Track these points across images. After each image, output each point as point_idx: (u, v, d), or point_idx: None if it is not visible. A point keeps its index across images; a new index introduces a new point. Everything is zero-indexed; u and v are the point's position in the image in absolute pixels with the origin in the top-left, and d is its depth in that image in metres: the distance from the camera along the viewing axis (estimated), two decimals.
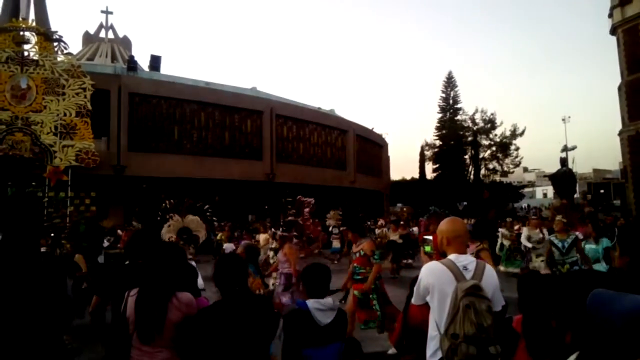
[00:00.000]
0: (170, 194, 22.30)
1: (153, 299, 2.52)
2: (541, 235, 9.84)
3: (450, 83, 46.51)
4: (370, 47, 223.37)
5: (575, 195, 30.12)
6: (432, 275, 2.66)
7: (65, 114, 19.56)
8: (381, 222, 20.38)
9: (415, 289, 2.78)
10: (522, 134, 43.87)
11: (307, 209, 8.87)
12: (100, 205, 21.04)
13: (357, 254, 5.73)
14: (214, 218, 10.87)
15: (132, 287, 2.64)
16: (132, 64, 25.98)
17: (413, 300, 2.84)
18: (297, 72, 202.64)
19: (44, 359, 2.44)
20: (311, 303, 2.79)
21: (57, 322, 2.54)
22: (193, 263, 6.02)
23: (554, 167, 31.90)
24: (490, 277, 2.67)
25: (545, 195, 49.47)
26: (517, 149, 44.48)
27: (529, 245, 9.84)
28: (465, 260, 2.67)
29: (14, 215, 2.68)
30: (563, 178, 25.67)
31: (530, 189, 54.49)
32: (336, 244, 18.18)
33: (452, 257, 2.69)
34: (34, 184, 19.45)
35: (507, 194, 41.43)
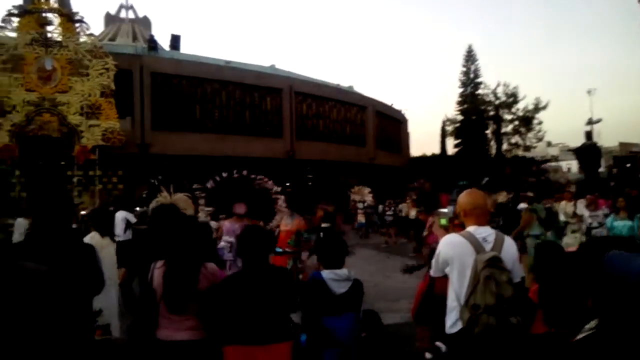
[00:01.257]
0: (192, 171, 22.81)
1: (184, 270, 2.60)
2: (573, 209, 9.72)
3: (470, 56, 45.40)
4: (389, 22, 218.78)
5: (600, 169, 29.57)
6: (451, 247, 2.71)
7: (90, 95, 19.92)
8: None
9: (434, 261, 2.82)
10: (545, 107, 42.79)
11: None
12: (126, 183, 21.61)
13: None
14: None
15: (157, 259, 2.73)
16: (152, 44, 26.19)
17: (432, 273, 2.89)
18: (316, 49, 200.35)
19: (76, 322, 2.68)
20: (326, 273, 2.89)
21: (88, 290, 2.76)
22: None
23: (578, 141, 31.18)
24: (510, 249, 2.71)
25: (569, 169, 48.51)
26: (540, 123, 43.42)
27: (563, 219, 9.66)
28: (485, 232, 2.71)
29: (47, 196, 2.83)
30: (588, 152, 25.26)
31: (554, 164, 53.47)
32: (361, 218, 18.36)
33: (471, 229, 2.73)
34: (63, 163, 20.08)
35: (530, 169, 40.78)
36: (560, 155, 58.22)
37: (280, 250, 6.16)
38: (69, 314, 2.61)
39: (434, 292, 3.62)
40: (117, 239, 9.41)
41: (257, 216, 6.79)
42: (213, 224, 7.32)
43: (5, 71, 18.92)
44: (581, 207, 9.56)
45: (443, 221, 3.15)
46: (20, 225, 10.93)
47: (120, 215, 9.59)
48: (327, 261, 2.97)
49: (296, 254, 6.10)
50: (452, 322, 2.72)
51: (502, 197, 12.71)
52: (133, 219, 9.68)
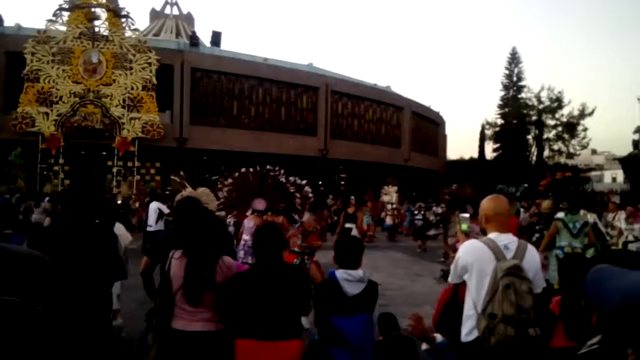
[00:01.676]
0: (228, 166, 23.16)
1: (202, 263, 2.65)
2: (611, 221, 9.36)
3: (514, 59, 44.20)
4: (430, 22, 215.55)
5: None
6: (471, 253, 2.63)
7: (132, 88, 20.63)
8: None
9: (452, 267, 2.75)
10: (591, 113, 41.14)
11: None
12: (163, 175, 22.21)
13: None
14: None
15: (175, 248, 2.79)
16: (194, 40, 26.75)
17: (450, 279, 2.81)
18: (354, 48, 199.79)
19: (99, 306, 2.78)
20: (340, 273, 2.86)
21: (110, 276, 2.91)
22: None
23: (625, 150, 29.84)
24: (532, 258, 2.61)
25: (614, 179, 46.45)
26: (585, 129, 41.83)
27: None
28: (506, 240, 2.62)
29: (74, 198, 2.97)
30: (635, 161, 24.14)
31: (598, 173, 51.44)
32: (389, 220, 18.02)
33: (492, 235, 2.64)
34: (104, 153, 20.85)
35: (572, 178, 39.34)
36: (605, 164, 55.97)
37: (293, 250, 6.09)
38: (87, 299, 2.72)
39: (458, 299, 3.53)
40: (149, 228, 9.76)
41: (279, 212, 6.80)
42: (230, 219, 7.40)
43: (54, 63, 19.79)
44: (621, 219, 9.16)
45: (464, 226, 3.04)
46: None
47: (154, 206, 9.86)
48: (342, 261, 2.94)
49: (302, 254, 6.00)
50: (468, 330, 2.64)
51: (545, 204, 12.24)
52: (166, 210, 9.92)
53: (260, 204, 6.53)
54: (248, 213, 6.68)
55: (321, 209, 7.42)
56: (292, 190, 6.97)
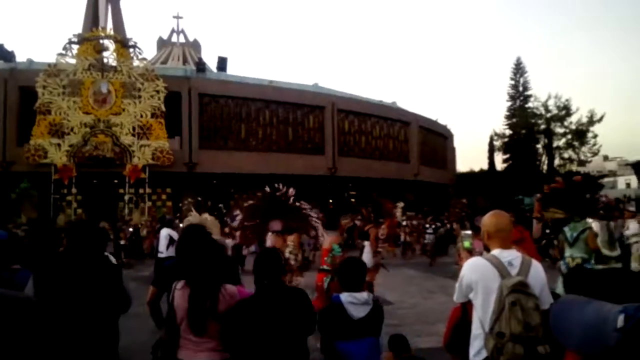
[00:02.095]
0: (237, 189, 23.23)
1: (205, 292, 2.64)
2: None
3: (519, 69, 44.21)
4: (433, 36, 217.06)
5: None
6: (475, 271, 2.59)
7: (141, 116, 20.99)
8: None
9: (457, 286, 2.71)
10: (600, 120, 40.85)
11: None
12: (174, 200, 22.40)
13: None
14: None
15: (180, 278, 2.78)
16: (201, 66, 27.24)
17: (455, 298, 2.77)
18: (358, 66, 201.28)
19: (103, 339, 2.79)
20: (345, 297, 2.83)
21: (114, 310, 2.91)
22: None
23: (638, 155, 29.46)
24: (537, 274, 2.55)
25: (628, 185, 45.79)
26: (595, 136, 41.51)
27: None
28: (510, 256, 2.57)
29: (81, 232, 3.00)
30: None
31: (611, 179, 50.74)
32: (402, 237, 17.91)
33: (495, 252, 2.60)
34: (115, 181, 21.12)
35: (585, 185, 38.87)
36: (618, 170, 55.22)
37: (320, 267, 6.38)
38: (94, 333, 2.74)
39: (467, 318, 3.48)
40: (160, 255, 9.81)
41: (293, 231, 6.94)
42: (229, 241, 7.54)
43: (64, 95, 20.24)
44: (629, 227, 9.03)
45: (466, 243, 3.02)
46: None
47: (164, 233, 9.91)
48: (346, 284, 2.92)
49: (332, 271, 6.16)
50: (477, 350, 2.58)
51: (560, 213, 12.03)
52: (176, 236, 9.96)
53: (277, 225, 6.69)
54: (269, 235, 6.87)
55: (336, 226, 7.58)
56: (306, 210, 7.20)
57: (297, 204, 7.15)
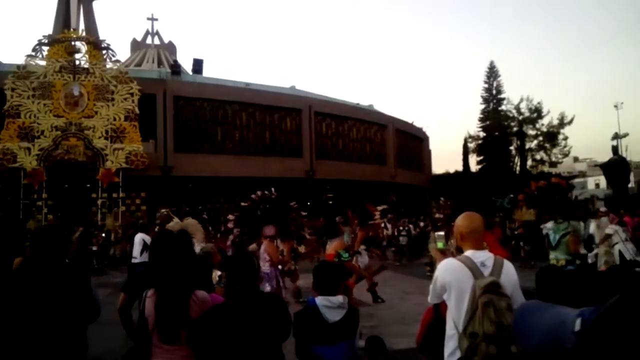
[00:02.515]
0: (214, 192, 22.99)
1: (173, 299, 2.56)
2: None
3: (492, 73, 45.14)
4: (409, 40, 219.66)
5: (629, 185, 28.63)
6: (448, 272, 2.61)
7: (115, 119, 20.56)
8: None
9: (431, 287, 2.73)
10: (570, 122, 41.98)
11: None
12: (149, 204, 22.02)
13: None
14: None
15: (150, 286, 2.70)
16: (176, 68, 26.92)
17: (429, 299, 2.79)
18: (335, 69, 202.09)
19: (69, 351, 2.68)
20: (320, 300, 2.81)
21: (82, 320, 2.80)
22: None
23: (606, 156, 30.41)
24: (510, 274, 2.60)
25: (597, 185, 47.14)
26: (565, 138, 42.62)
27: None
28: (483, 257, 2.60)
29: (43, 238, 2.87)
30: (615, 167, 24.49)
31: (581, 180, 52.16)
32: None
33: (468, 253, 2.63)
34: (88, 185, 20.63)
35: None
36: (588, 171, 56.83)
37: None
38: (60, 343, 2.63)
39: (440, 319, 3.52)
40: (133, 260, 9.63)
41: (287, 237, 6.95)
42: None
43: (34, 98, 19.70)
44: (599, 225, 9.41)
45: (440, 244, 3.05)
46: None
47: (139, 238, 9.74)
48: (321, 287, 2.90)
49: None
50: (451, 350, 2.61)
51: (529, 215, 12.28)
52: (149, 241, 9.80)
53: (270, 230, 6.68)
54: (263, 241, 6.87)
55: (337, 232, 7.53)
56: (298, 215, 7.27)
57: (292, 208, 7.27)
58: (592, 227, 10.58)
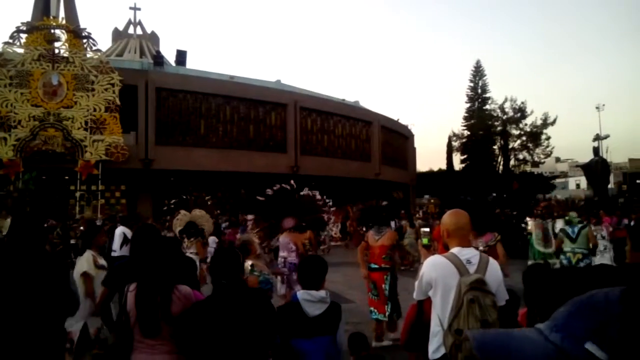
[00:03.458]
0: (197, 186, 22.72)
1: (154, 292, 2.55)
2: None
3: (478, 72, 45.51)
4: (395, 37, 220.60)
5: (609, 186, 29.17)
6: (434, 269, 2.63)
7: (95, 110, 20.12)
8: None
9: (417, 283, 2.75)
10: (553, 123, 42.58)
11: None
12: (129, 197, 21.64)
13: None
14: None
15: (132, 281, 2.69)
16: (158, 59, 26.44)
17: (415, 296, 2.80)
18: (321, 64, 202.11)
19: (46, 344, 2.61)
20: (301, 294, 2.80)
21: (60, 312, 2.73)
22: (194, 257, 6.26)
23: (587, 157, 30.95)
24: (494, 271, 2.62)
25: (578, 186, 48.05)
26: (548, 138, 43.19)
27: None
28: (469, 254, 2.63)
29: (21, 223, 2.81)
30: (596, 168, 24.90)
31: (563, 180, 53.07)
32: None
33: (454, 250, 2.64)
34: (66, 177, 20.17)
35: (537, 185, 40.46)
36: (569, 172, 57.87)
37: (376, 266, 6.01)
38: (35, 336, 2.54)
39: (424, 316, 3.48)
40: (113, 253, 9.38)
41: (306, 228, 7.07)
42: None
43: (11, 86, 19.15)
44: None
45: (425, 241, 3.01)
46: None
47: (119, 231, 9.49)
48: (305, 281, 2.86)
49: (391, 269, 6.05)
50: (435, 347, 2.65)
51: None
52: (130, 235, 9.58)
53: (289, 222, 6.91)
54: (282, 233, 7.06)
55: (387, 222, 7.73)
56: (320, 206, 7.53)
57: (315, 198, 7.50)
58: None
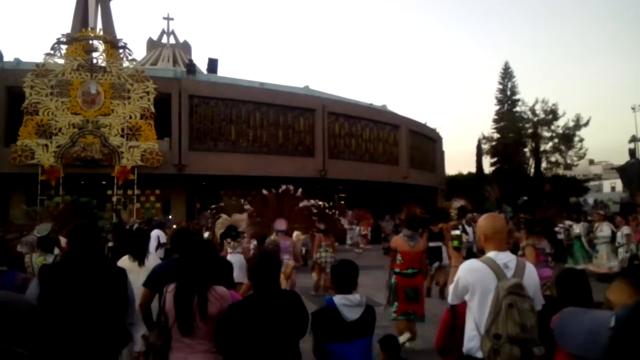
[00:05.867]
0: (227, 190, 23.04)
1: (191, 291, 2.65)
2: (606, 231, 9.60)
3: (507, 74, 44.71)
4: (424, 41, 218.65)
5: None
6: (471, 273, 2.61)
7: (130, 117, 20.79)
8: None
9: (452, 287, 2.73)
10: (586, 124, 41.37)
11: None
12: (164, 201, 22.25)
13: None
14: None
15: (171, 282, 2.78)
16: (191, 68, 27.09)
17: (450, 300, 2.78)
18: (349, 69, 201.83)
19: (109, 341, 2.79)
20: (338, 299, 2.83)
21: (120, 314, 2.88)
22: (238, 257, 6.42)
23: (623, 159, 29.96)
24: (532, 276, 2.60)
25: (613, 188, 46.53)
26: (581, 140, 42.00)
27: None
28: (506, 258, 2.61)
29: (82, 235, 2.94)
30: (632, 170, 24.15)
31: (597, 183, 51.50)
32: None
33: (491, 254, 2.62)
34: (104, 182, 20.90)
35: (570, 188, 39.40)
36: (603, 174, 56.08)
37: (415, 270, 6.22)
38: (97, 339, 2.69)
39: (457, 322, 3.51)
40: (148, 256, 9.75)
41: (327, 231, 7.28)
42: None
43: (52, 95, 19.99)
44: (606, 229, 9.50)
45: (455, 243, 3.04)
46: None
47: (154, 234, 9.86)
48: (340, 286, 2.93)
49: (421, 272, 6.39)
50: (472, 352, 2.60)
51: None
52: (164, 239, 9.94)
53: (282, 224, 6.98)
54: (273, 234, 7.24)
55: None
56: (312, 210, 7.65)
57: (308, 204, 7.62)
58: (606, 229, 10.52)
